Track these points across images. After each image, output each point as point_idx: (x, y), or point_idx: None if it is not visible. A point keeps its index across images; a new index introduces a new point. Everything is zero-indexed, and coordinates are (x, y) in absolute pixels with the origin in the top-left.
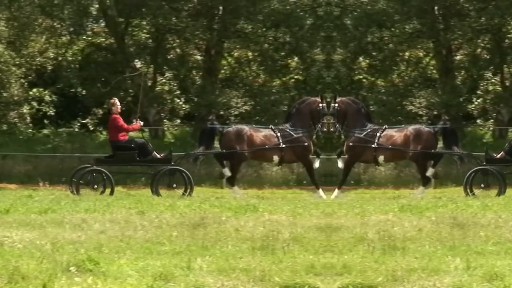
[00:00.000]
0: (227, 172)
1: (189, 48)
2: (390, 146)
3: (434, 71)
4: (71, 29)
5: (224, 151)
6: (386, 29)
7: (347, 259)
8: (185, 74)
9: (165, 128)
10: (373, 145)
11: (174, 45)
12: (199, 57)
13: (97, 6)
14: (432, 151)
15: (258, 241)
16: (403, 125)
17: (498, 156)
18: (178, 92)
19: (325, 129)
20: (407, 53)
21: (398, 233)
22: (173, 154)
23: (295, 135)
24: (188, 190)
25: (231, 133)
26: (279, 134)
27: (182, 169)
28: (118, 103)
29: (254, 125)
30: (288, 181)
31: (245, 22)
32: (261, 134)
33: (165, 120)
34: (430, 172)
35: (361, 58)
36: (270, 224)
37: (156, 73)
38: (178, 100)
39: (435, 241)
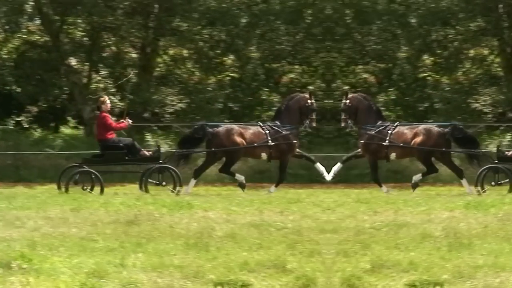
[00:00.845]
0: (239, 177)
1: (124, 46)
2: (401, 144)
3: (499, 69)
4: (6, 27)
5: (213, 149)
6: (451, 27)
7: (413, 256)
8: (120, 72)
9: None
10: (384, 143)
11: (109, 43)
12: (134, 55)
13: (32, 3)
14: (444, 149)
15: (192, 238)
16: (414, 123)
17: (510, 154)
18: (114, 89)
19: (313, 125)
20: (471, 51)
21: (464, 230)
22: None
23: (283, 132)
24: (177, 188)
25: (221, 133)
26: (267, 132)
27: (171, 167)
28: (108, 101)
29: (242, 123)
30: (223, 178)
31: (180, 20)
32: (250, 131)
33: None
34: (417, 177)
35: (425, 56)
36: (204, 221)
37: (91, 70)
38: (113, 98)
39: (501, 238)
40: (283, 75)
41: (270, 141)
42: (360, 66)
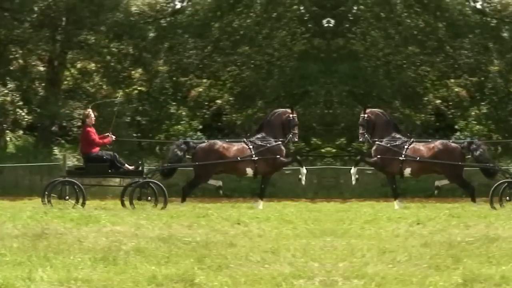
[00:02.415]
0: (218, 182)
1: (31, 59)
2: (418, 158)
3: None
4: None
5: (196, 163)
6: None
7: (505, 270)
8: (27, 85)
9: (8, 139)
10: (400, 157)
11: (16, 56)
12: (42, 68)
13: None
14: (460, 163)
15: (100, 252)
16: (430, 140)
17: None
18: (21, 103)
19: (295, 139)
20: None
21: None
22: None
23: (268, 146)
24: (163, 203)
25: (203, 148)
26: (251, 147)
27: (156, 181)
28: (92, 115)
29: (227, 140)
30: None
31: (88, 33)
32: (234, 148)
33: (7, 131)
34: (439, 182)
35: None
36: (112, 235)
37: None
38: (21, 111)
39: None
40: (191, 89)
41: (254, 156)
42: (452, 80)
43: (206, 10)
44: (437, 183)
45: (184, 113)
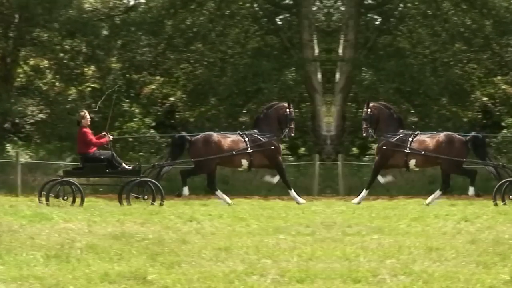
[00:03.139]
0: (186, 191)
1: None
2: (423, 152)
3: None
4: None
5: (192, 160)
6: None
7: None
8: None
9: None
10: (405, 150)
11: None
12: None
13: None
14: (464, 159)
15: (53, 250)
16: (435, 132)
17: None
18: None
19: (292, 134)
20: None
21: None
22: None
23: (263, 140)
24: (160, 201)
25: (199, 141)
26: (247, 139)
27: (153, 180)
28: (88, 116)
29: (221, 132)
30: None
31: (41, 30)
32: (229, 140)
33: None
34: (471, 191)
35: None
36: (65, 232)
37: None
38: None
39: None
40: (144, 86)
41: (249, 149)
42: (499, 77)
43: (159, 8)
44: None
45: (137, 110)
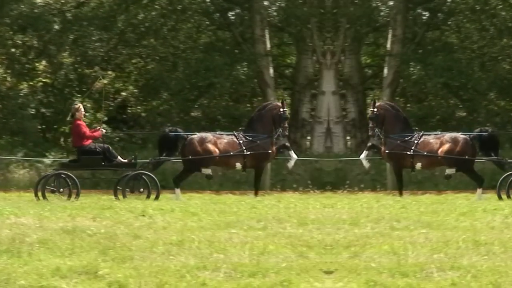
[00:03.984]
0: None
1: None
2: (425, 153)
3: None
4: None
5: (189, 157)
6: None
7: None
8: None
9: None
10: (409, 152)
11: None
12: None
13: None
14: (467, 157)
15: (4, 244)
16: (439, 132)
17: None
18: None
19: (286, 133)
20: None
21: None
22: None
23: (258, 142)
24: (155, 194)
25: (195, 141)
26: (241, 141)
27: (149, 173)
28: (82, 109)
29: (217, 132)
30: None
31: None
32: (224, 141)
33: None
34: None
35: None
36: (16, 227)
37: None
38: None
39: None
40: (96, 81)
41: (245, 151)
42: None
43: (111, 2)
44: (447, 171)
45: (88, 105)
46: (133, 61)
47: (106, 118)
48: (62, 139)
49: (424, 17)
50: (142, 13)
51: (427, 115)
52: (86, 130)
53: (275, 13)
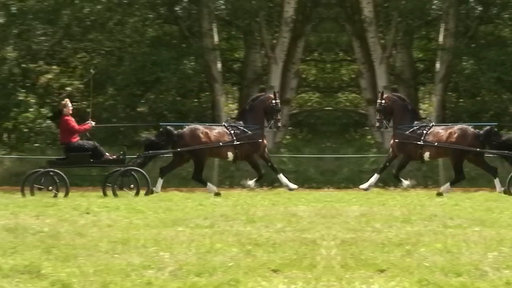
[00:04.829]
0: (158, 188)
1: None
2: (436, 144)
3: None
4: None
5: (178, 149)
6: None
7: None
8: None
9: None
10: (418, 142)
11: None
12: None
13: None
14: (478, 149)
15: None
16: (449, 124)
17: None
18: None
19: (279, 125)
20: None
21: None
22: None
23: (249, 132)
24: (146, 190)
25: (186, 134)
26: (232, 132)
27: (139, 169)
28: (70, 104)
29: (207, 124)
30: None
31: None
32: (215, 131)
33: None
34: (499, 188)
35: None
36: None
37: None
38: None
39: None
40: (40, 76)
41: (235, 141)
42: None
43: None
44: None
45: (33, 100)
46: (78, 55)
47: (51, 114)
48: (5, 135)
49: (477, 11)
50: (88, 6)
51: (480, 110)
52: (75, 124)
53: (223, 7)
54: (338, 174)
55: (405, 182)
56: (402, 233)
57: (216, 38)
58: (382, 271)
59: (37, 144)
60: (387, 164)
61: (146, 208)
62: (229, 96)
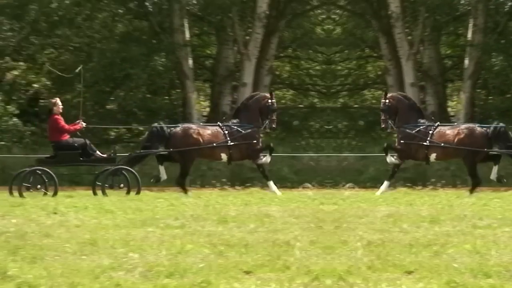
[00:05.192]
0: (163, 175)
1: None
2: (442, 144)
3: None
4: None
5: (171, 149)
6: None
7: None
8: None
9: None
10: (425, 143)
11: None
12: None
13: None
14: (486, 149)
15: None
16: (455, 123)
17: None
18: None
19: (273, 126)
20: None
21: None
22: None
23: (243, 132)
24: (136, 189)
25: (178, 133)
26: (226, 132)
27: (130, 168)
28: (60, 103)
29: (201, 123)
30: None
31: None
32: (208, 132)
33: None
34: (493, 175)
35: None
36: None
37: None
38: None
39: None
40: (7, 72)
41: (229, 142)
42: None
43: None
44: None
45: None
46: (46, 51)
47: (17, 112)
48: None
49: (507, 6)
50: (56, 1)
51: (510, 107)
52: (64, 124)
53: (194, 2)
54: (364, 174)
55: (390, 158)
56: (430, 234)
57: (187, 34)
58: (409, 272)
59: (3, 142)
60: (396, 169)
61: (115, 208)
62: (201, 93)
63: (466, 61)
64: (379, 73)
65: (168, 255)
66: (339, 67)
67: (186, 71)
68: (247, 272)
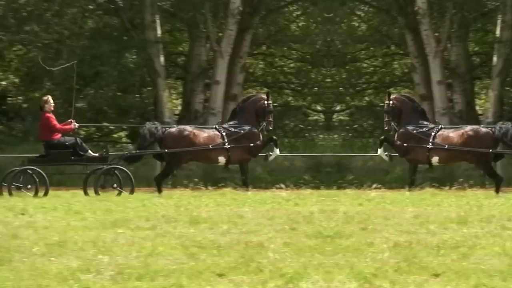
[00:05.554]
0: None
1: None
2: (446, 146)
3: None
4: None
5: (165, 150)
6: None
7: None
8: None
9: None
10: (427, 145)
11: None
12: None
13: None
14: (491, 150)
15: None
16: (459, 126)
17: None
18: None
19: (270, 127)
20: None
21: None
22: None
23: (243, 132)
24: (130, 190)
25: (173, 134)
26: (224, 134)
27: (123, 168)
28: (52, 101)
29: (197, 125)
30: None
31: None
32: (204, 134)
33: None
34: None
35: None
36: None
37: None
38: None
39: None
40: None
41: (226, 144)
42: None
43: None
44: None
45: None
46: (14, 48)
47: None
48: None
49: None
50: None
51: None
52: (56, 123)
53: None
54: (390, 174)
55: (381, 151)
56: (458, 236)
57: (159, 31)
58: (437, 275)
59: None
60: (413, 177)
61: (84, 209)
62: (173, 91)
63: (495, 58)
64: (406, 70)
65: (138, 257)
66: (365, 65)
67: (158, 68)
68: (220, 275)
